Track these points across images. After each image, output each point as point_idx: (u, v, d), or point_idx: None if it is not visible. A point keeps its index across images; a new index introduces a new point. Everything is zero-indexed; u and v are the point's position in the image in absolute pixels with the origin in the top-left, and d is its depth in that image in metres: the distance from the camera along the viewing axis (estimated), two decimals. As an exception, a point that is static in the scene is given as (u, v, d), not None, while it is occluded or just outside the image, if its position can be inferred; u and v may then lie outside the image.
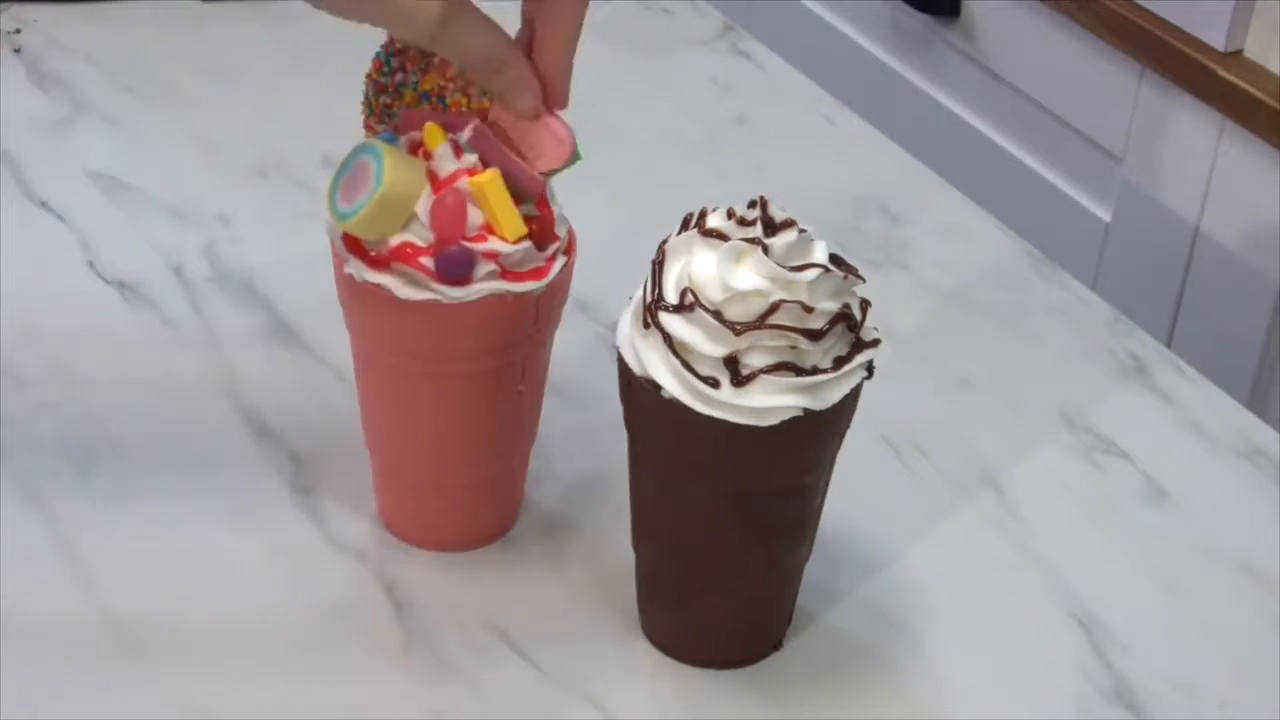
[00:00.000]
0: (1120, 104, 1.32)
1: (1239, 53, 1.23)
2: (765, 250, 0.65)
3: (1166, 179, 1.30)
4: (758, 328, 0.65)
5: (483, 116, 0.76)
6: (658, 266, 0.68)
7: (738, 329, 0.65)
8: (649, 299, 0.67)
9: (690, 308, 0.66)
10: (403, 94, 0.76)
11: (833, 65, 1.48)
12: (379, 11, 0.66)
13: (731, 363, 0.65)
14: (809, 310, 0.65)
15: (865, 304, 0.68)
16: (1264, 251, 1.23)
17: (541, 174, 0.71)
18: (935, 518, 0.82)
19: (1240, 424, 0.89)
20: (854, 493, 0.78)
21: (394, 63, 0.76)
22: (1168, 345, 0.98)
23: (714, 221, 0.67)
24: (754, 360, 0.65)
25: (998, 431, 0.87)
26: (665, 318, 0.66)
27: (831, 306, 0.66)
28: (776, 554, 0.72)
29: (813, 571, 0.75)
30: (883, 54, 1.55)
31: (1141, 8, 1.27)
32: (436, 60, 0.76)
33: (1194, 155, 1.26)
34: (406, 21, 0.65)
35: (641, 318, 0.67)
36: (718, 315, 0.65)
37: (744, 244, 0.66)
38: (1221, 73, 1.22)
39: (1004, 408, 0.89)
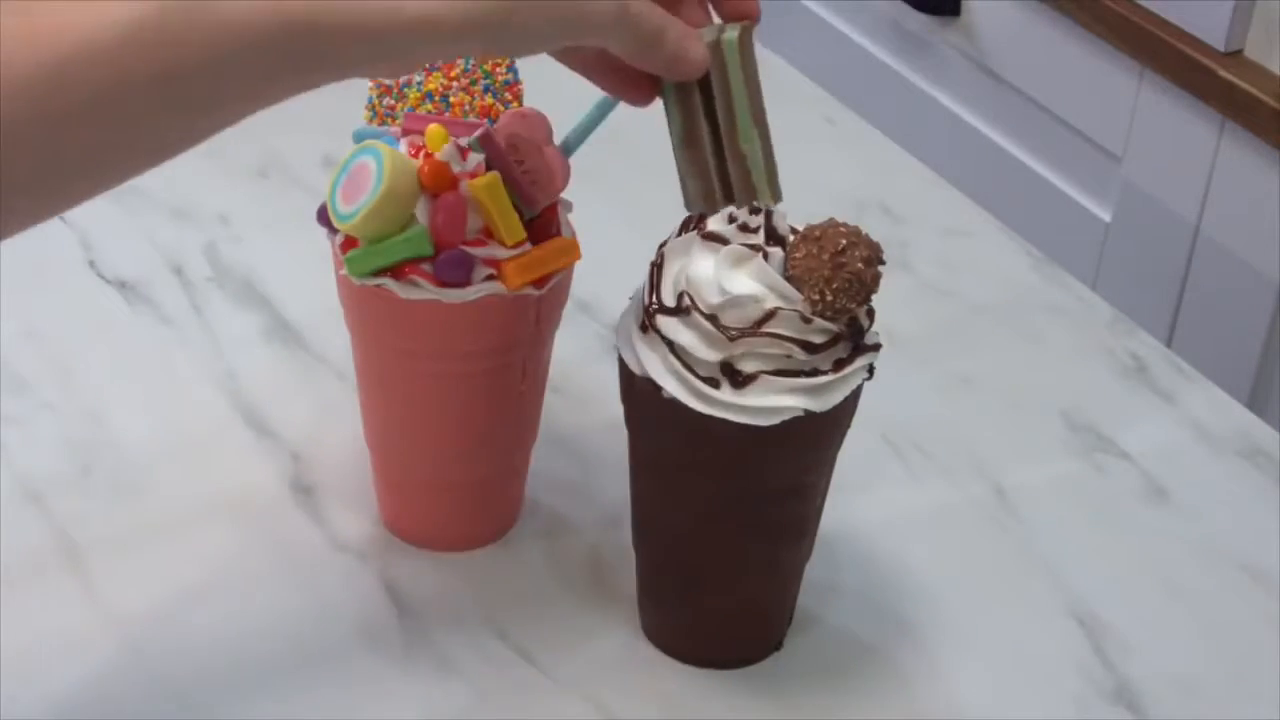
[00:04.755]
0: (1120, 104, 1.32)
1: (1239, 53, 1.23)
2: (766, 258, 0.65)
3: (1166, 179, 1.30)
4: (752, 334, 0.65)
5: (485, 116, 0.76)
6: (656, 269, 0.68)
7: (732, 334, 0.65)
8: (647, 301, 0.67)
9: (686, 311, 0.66)
10: (406, 95, 0.76)
11: (833, 65, 1.48)
12: (563, 27, 0.60)
13: (727, 368, 0.65)
14: (807, 321, 0.65)
15: (871, 312, 0.68)
16: (1264, 251, 1.23)
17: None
18: (935, 518, 0.82)
19: (1240, 424, 0.89)
20: (854, 493, 0.78)
21: (396, 63, 0.76)
22: (1168, 345, 0.98)
23: (714, 225, 0.67)
24: (750, 366, 0.65)
25: (998, 431, 0.87)
26: (662, 320, 0.66)
27: (831, 326, 0.66)
28: (777, 554, 0.72)
29: (813, 571, 0.75)
30: (883, 54, 1.55)
31: (1141, 8, 1.27)
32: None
33: (1194, 155, 1.26)
34: (590, 24, 0.60)
35: (640, 319, 0.67)
36: (713, 320, 0.65)
37: (744, 249, 0.66)
38: (1221, 73, 1.22)
39: (1004, 408, 0.89)
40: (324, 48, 0.56)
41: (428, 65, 0.76)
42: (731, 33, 0.65)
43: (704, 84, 0.65)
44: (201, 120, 0.57)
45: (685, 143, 0.66)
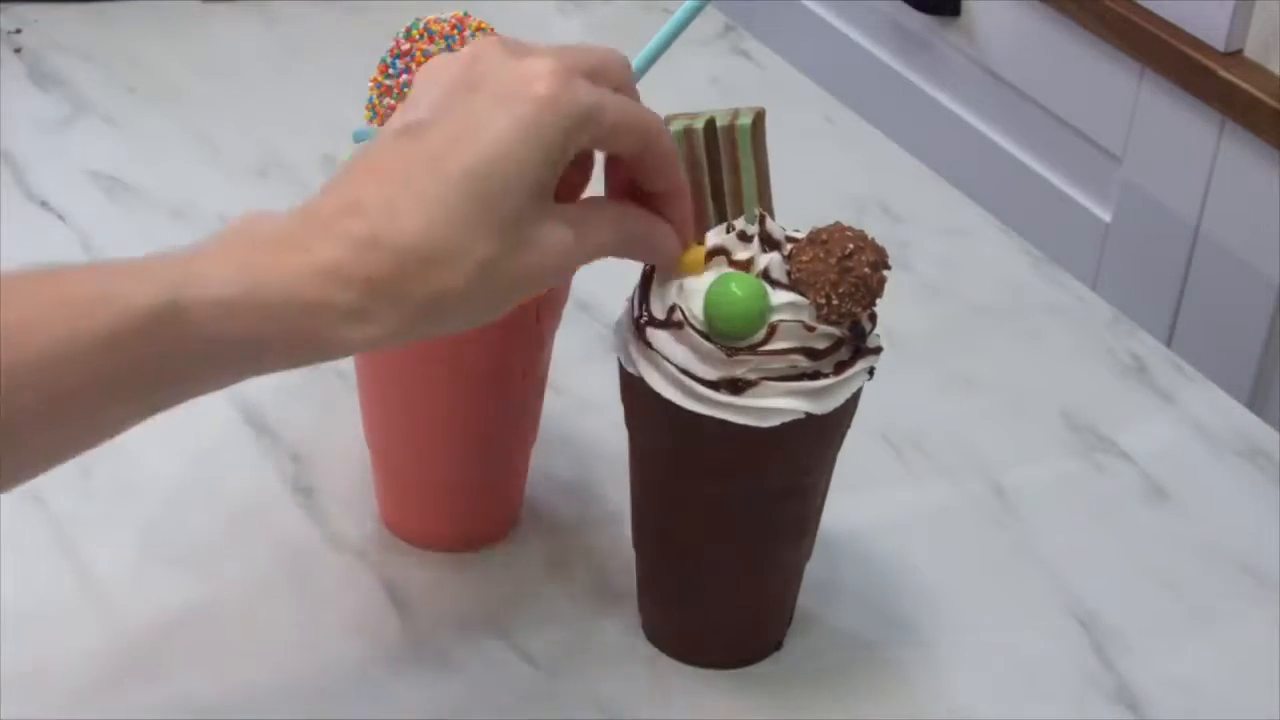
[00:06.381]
0: (1120, 104, 1.32)
1: (1239, 53, 1.23)
2: (765, 271, 0.65)
3: (1166, 179, 1.30)
4: (751, 353, 0.64)
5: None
6: (646, 279, 0.67)
7: (729, 352, 0.64)
8: (636, 313, 0.67)
9: (679, 325, 0.65)
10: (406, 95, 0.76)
11: (833, 65, 1.48)
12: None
13: (728, 381, 0.65)
14: (810, 329, 0.65)
15: (874, 315, 0.68)
16: (1264, 251, 1.23)
17: None
18: (935, 518, 0.82)
19: (1240, 424, 0.89)
20: (854, 493, 0.78)
21: (399, 64, 0.76)
22: (1168, 345, 0.98)
23: (714, 238, 0.66)
24: (751, 375, 0.65)
25: (998, 431, 0.87)
26: (653, 333, 0.66)
27: (834, 331, 0.66)
28: (777, 554, 0.72)
29: (813, 571, 0.75)
30: (883, 54, 1.55)
31: (1141, 8, 1.27)
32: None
33: (1194, 155, 1.26)
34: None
35: (635, 330, 0.67)
36: (707, 336, 0.65)
37: (742, 264, 0.65)
38: (1221, 73, 1.22)
39: (1004, 408, 0.89)
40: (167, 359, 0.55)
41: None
42: (746, 118, 0.66)
43: (713, 166, 0.67)
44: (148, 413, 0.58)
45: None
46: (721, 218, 0.68)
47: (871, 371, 0.68)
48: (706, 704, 0.72)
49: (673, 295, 0.66)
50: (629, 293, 0.69)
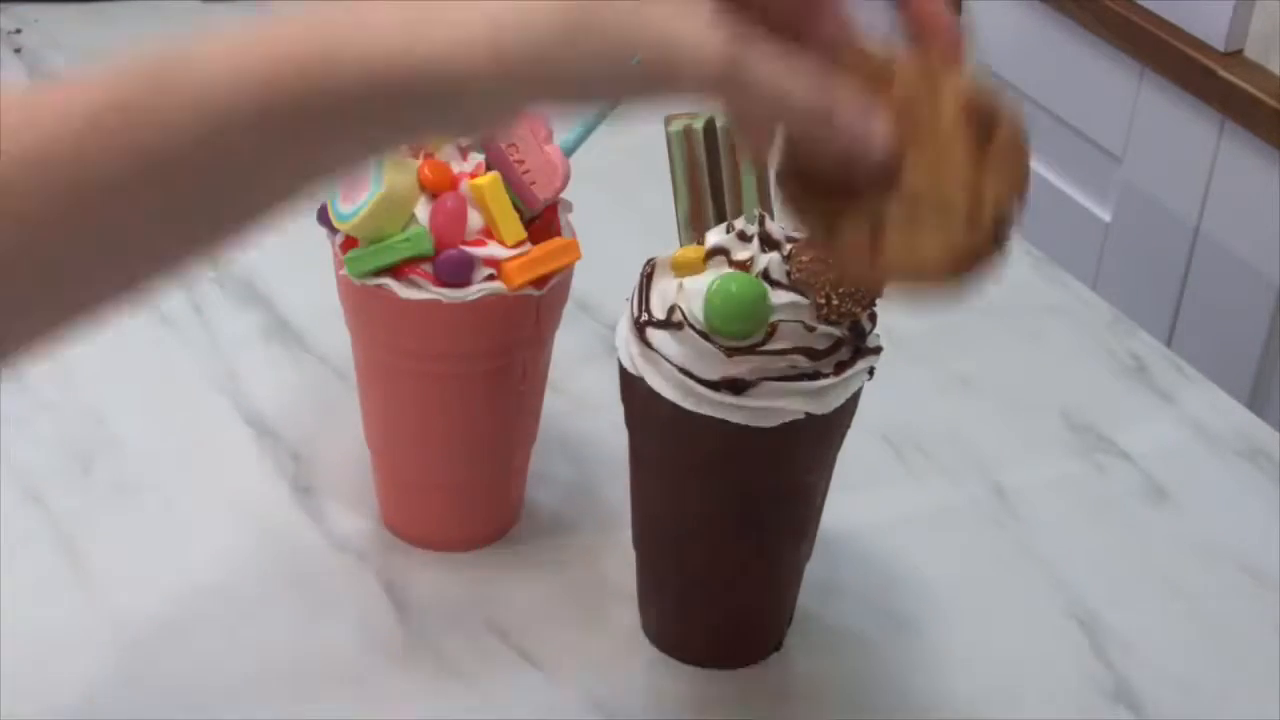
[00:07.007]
0: (1120, 104, 1.32)
1: (1239, 53, 1.23)
2: (766, 271, 0.65)
3: (1166, 179, 1.30)
4: (750, 352, 0.64)
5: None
6: (646, 280, 0.67)
7: (729, 352, 0.64)
8: (636, 313, 0.67)
9: (679, 325, 0.65)
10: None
11: (833, 65, 1.47)
12: (639, 85, 0.48)
13: (728, 381, 0.65)
14: (810, 330, 0.65)
15: (874, 315, 0.68)
16: (1264, 251, 1.23)
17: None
18: (935, 518, 0.82)
19: (1240, 424, 0.89)
20: (854, 493, 0.78)
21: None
22: (1168, 345, 0.98)
23: (714, 238, 0.67)
24: (751, 375, 0.65)
25: (998, 431, 0.87)
26: (652, 333, 0.66)
27: (835, 331, 0.65)
28: (777, 554, 0.72)
29: (813, 571, 0.75)
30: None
31: (1141, 8, 1.28)
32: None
33: (1194, 155, 1.26)
34: (677, 80, 0.48)
35: (635, 330, 0.67)
36: (706, 336, 0.65)
37: (742, 264, 0.65)
38: (1221, 73, 1.22)
39: (1004, 408, 0.89)
40: (323, 100, 0.46)
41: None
42: None
43: (713, 166, 0.67)
44: (197, 220, 0.49)
45: (690, 224, 0.68)
46: (721, 218, 0.68)
47: (871, 371, 0.68)
48: (706, 704, 0.72)
49: (673, 295, 0.66)
50: (629, 294, 0.69)
